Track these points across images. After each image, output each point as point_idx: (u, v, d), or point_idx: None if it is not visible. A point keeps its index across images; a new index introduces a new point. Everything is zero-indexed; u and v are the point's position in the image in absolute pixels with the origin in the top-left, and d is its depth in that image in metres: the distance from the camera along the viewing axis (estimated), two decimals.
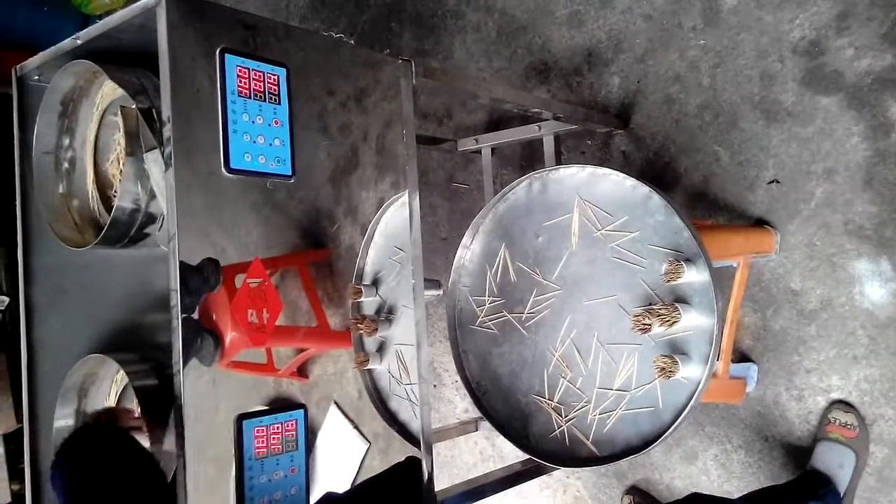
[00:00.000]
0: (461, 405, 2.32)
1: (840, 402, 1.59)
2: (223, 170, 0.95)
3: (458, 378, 1.51)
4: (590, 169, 1.33)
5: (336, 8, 2.74)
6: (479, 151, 2.08)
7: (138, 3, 0.95)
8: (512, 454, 2.12)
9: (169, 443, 1.14)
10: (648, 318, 1.19)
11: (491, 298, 1.45)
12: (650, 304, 1.23)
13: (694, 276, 1.19)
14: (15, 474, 2.49)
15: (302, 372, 1.11)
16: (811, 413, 1.64)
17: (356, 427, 1.16)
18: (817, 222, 1.62)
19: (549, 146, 1.82)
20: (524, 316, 1.40)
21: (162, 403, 1.22)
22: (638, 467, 1.91)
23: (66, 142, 1.31)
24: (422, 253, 1.19)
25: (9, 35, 2.76)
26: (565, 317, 1.34)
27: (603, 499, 2.00)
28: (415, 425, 1.19)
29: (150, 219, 1.21)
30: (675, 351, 1.20)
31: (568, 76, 2.05)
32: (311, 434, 1.07)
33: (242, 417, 0.98)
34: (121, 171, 1.22)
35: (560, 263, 1.36)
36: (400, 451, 1.18)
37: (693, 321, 1.19)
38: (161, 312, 1.24)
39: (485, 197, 2.07)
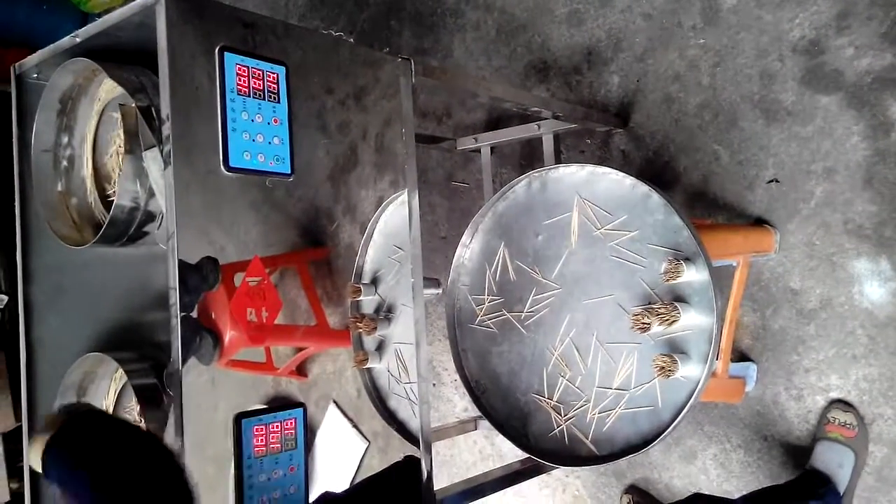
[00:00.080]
0: (460, 404, 2.32)
1: (839, 401, 1.59)
2: (222, 168, 0.95)
3: (457, 377, 1.51)
4: (589, 168, 1.33)
5: (335, 6, 2.74)
6: (478, 150, 2.07)
7: (137, 1, 0.95)
8: (511, 453, 2.12)
9: (168, 442, 1.14)
10: (648, 318, 1.19)
11: (490, 297, 1.45)
12: (649, 304, 1.23)
13: (693, 276, 1.19)
14: (13, 473, 2.49)
15: (301, 371, 1.11)
16: (810, 412, 1.64)
17: (355, 426, 1.16)
18: (817, 221, 1.61)
19: (548, 145, 1.82)
20: (523, 315, 1.40)
21: (161, 402, 1.22)
22: (637, 466, 1.91)
23: (65, 140, 1.31)
24: (421, 251, 1.19)
25: (8, 33, 2.75)
26: (564, 316, 1.34)
27: (602, 498, 2.00)
28: (414, 424, 1.19)
29: (149, 217, 1.21)
30: (675, 350, 1.20)
31: (567, 75, 2.05)
32: (310, 433, 1.07)
33: (241, 416, 0.98)
34: (120, 168, 1.22)
35: (559, 262, 1.36)
36: (399, 449, 1.18)
37: (692, 320, 1.19)
38: (160, 311, 1.24)
39: (484, 196, 2.07)
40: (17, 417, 2.43)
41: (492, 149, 2.05)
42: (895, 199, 1.51)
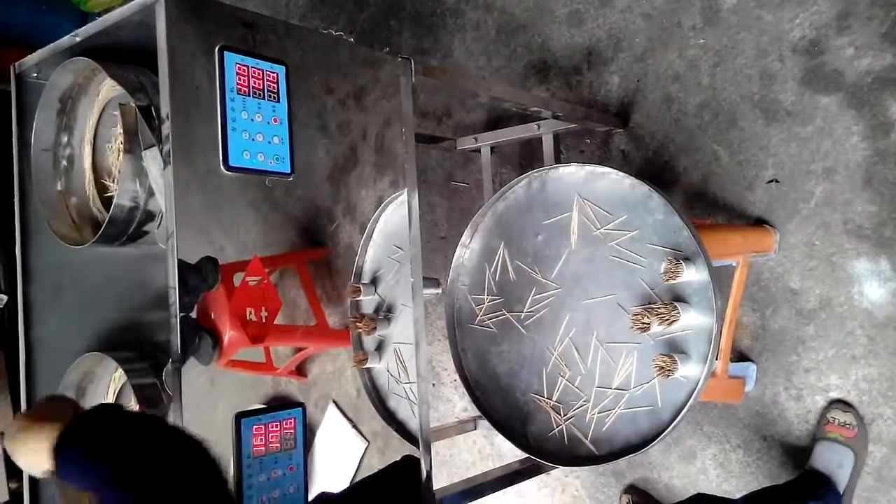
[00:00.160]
0: (460, 404, 2.32)
1: (839, 401, 1.59)
2: (222, 167, 0.95)
3: (456, 377, 1.51)
4: (589, 168, 1.33)
5: (335, 6, 2.74)
6: (478, 150, 2.07)
7: (137, 1, 0.95)
8: (510, 453, 2.12)
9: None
10: (647, 317, 1.19)
11: (490, 297, 1.45)
12: (649, 303, 1.23)
13: (693, 276, 1.19)
14: (13, 472, 2.49)
15: (300, 371, 1.11)
16: (810, 412, 1.64)
17: (355, 426, 1.16)
18: (816, 222, 1.61)
19: (548, 145, 1.82)
20: (523, 315, 1.40)
21: (160, 402, 1.22)
22: (636, 466, 1.91)
23: (65, 139, 1.31)
24: (421, 251, 1.19)
25: (7, 32, 2.75)
26: (564, 316, 1.34)
27: (601, 498, 2.00)
28: (413, 424, 1.18)
29: (149, 216, 1.20)
30: (674, 350, 1.20)
31: (567, 75, 2.05)
32: (309, 433, 1.07)
33: (241, 416, 0.98)
34: (119, 167, 1.22)
35: (559, 262, 1.36)
36: (398, 449, 1.18)
37: (692, 320, 1.19)
38: (159, 311, 1.24)
39: (484, 196, 2.07)
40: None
41: (492, 149, 2.05)
42: (895, 199, 1.51)
